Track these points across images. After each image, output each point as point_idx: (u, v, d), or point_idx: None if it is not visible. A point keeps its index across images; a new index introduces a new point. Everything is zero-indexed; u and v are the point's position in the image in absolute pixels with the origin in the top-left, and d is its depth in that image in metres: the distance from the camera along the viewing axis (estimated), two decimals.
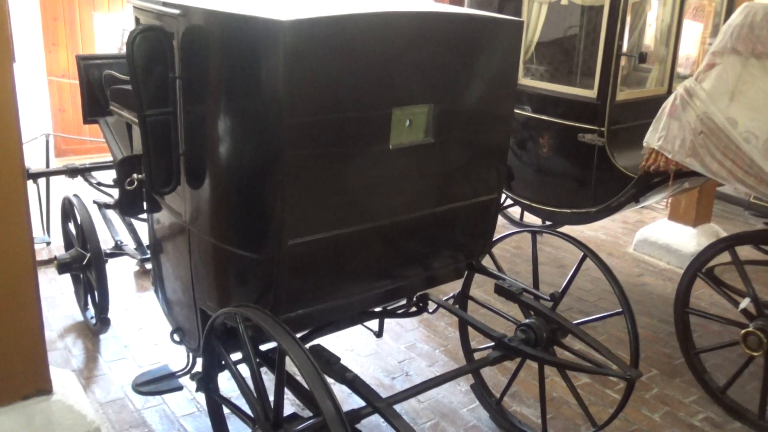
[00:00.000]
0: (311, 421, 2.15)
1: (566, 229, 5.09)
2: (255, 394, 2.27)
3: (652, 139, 3.42)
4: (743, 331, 3.32)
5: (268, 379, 2.81)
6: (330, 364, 2.41)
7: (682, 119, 3.30)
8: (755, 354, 3.29)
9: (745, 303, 3.42)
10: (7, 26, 2.52)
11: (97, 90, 3.93)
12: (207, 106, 2.38)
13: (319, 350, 2.47)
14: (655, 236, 5.59)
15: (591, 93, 3.85)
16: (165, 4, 2.48)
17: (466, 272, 3.18)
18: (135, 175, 2.92)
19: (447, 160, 2.67)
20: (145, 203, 3.01)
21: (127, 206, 3.03)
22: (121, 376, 3.60)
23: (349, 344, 4.00)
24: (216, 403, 2.67)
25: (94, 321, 3.94)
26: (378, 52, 2.31)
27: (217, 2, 2.42)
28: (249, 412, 2.47)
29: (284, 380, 2.18)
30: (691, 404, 3.64)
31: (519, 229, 3.39)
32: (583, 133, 3.89)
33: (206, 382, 2.62)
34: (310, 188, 2.31)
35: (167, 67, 2.46)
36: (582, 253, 3.00)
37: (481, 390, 3.43)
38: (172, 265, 2.95)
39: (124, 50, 6.15)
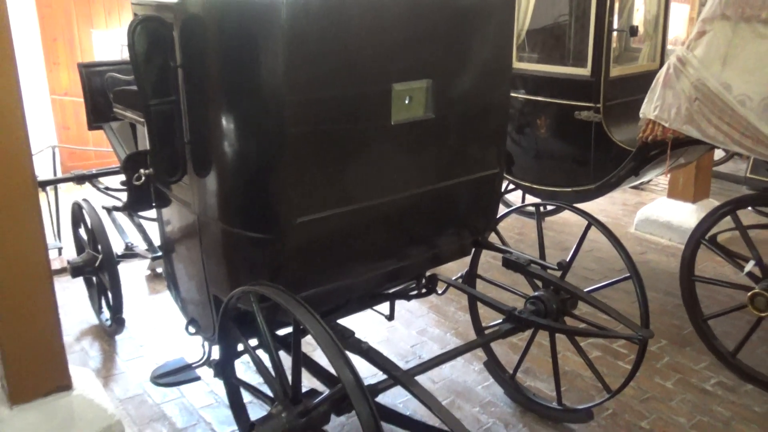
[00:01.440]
0: (331, 391, 2.12)
1: (567, 214, 5.09)
2: (273, 372, 2.25)
3: (648, 109, 3.41)
4: (750, 293, 3.29)
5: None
6: (345, 337, 2.39)
7: (676, 88, 3.29)
8: (763, 315, 3.27)
9: (750, 266, 3.40)
10: (11, 45, 2.52)
11: (100, 96, 3.94)
12: (209, 92, 2.36)
13: (333, 325, 2.46)
14: (655, 215, 5.57)
15: (585, 71, 3.85)
16: None
17: (473, 250, 3.16)
18: (142, 171, 2.91)
19: (448, 136, 2.66)
20: (153, 197, 3.01)
21: (136, 202, 3.02)
22: (139, 373, 3.57)
23: (360, 332, 3.94)
24: (234, 387, 2.64)
25: (109, 323, 3.92)
26: (374, 27, 2.30)
27: None
28: (267, 393, 2.46)
29: (301, 355, 2.16)
30: (703, 370, 3.61)
31: (523, 204, 3.36)
32: (579, 110, 3.88)
33: (223, 367, 2.60)
34: (314, 166, 2.30)
35: (168, 57, 2.45)
36: (587, 222, 2.98)
37: (494, 367, 3.41)
38: (183, 258, 2.93)
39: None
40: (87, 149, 7.03)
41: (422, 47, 2.45)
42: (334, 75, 2.24)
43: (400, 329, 4.03)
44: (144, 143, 3.37)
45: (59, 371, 2.84)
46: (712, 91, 3.17)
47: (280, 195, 2.28)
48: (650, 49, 4.18)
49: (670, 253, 5.22)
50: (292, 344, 2.14)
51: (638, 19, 4.35)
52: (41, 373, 2.79)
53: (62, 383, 2.84)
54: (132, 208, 3.03)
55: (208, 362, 2.98)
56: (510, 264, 2.96)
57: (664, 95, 3.34)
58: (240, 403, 2.66)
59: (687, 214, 5.42)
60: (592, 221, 2.96)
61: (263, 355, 2.44)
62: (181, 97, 2.47)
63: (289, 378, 2.21)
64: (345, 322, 3.06)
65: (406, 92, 2.46)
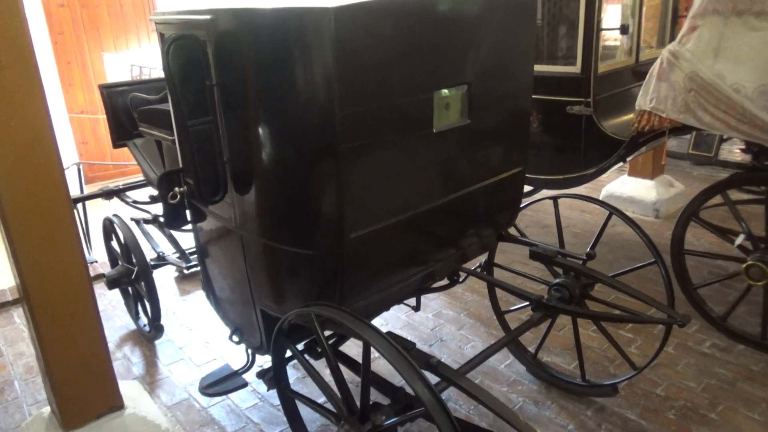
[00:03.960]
0: (412, 412, 1.72)
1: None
2: (337, 391, 1.83)
3: (644, 102, 3.04)
4: (745, 264, 2.98)
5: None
6: (408, 350, 1.98)
7: (670, 80, 2.92)
8: (758, 284, 2.96)
9: (740, 239, 3.08)
10: (38, 73, 2.02)
11: (123, 115, 3.41)
12: (248, 109, 1.90)
13: (394, 337, 2.04)
14: (619, 191, 5.25)
15: (575, 69, 3.45)
16: (192, 12, 1.99)
17: None
18: (177, 189, 2.44)
19: (481, 140, 2.25)
20: (189, 214, 2.53)
21: (172, 220, 2.54)
22: (182, 377, 3.11)
23: (383, 320, 3.57)
24: (289, 398, 2.23)
25: (147, 329, 3.43)
26: (415, 35, 1.86)
27: (243, 2, 1.93)
28: (324, 405, 2.04)
29: (370, 373, 1.75)
30: (695, 334, 3.30)
31: (541, 197, 2.98)
32: (571, 105, 3.49)
33: (278, 380, 2.18)
34: (364, 180, 1.86)
35: (203, 76, 1.97)
36: (608, 212, 2.63)
37: (515, 347, 3.04)
38: (225, 270, 2.47)
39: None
40: (107, 163, 6.43)
41: (459, 53, 2.02)
42: (381, 85, 1.80)
43: (417, 314, 3.64)
44: (172, 160, 2.89)
45: (110, 391, 2.38)
46: (706, 81, 2.80)
47: (333, 211, 1.84)
48: (626, 46, 3.80)
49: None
50: (362, 364, 1.72)
51: (615, 20, 3.96)
52: (92, 396, 2.33)
53: (114, 403, 2.38)
54: (169, 226, 2.54)
55: (254, 370, 2.56)
56: (537, 256, 2.58)
57: (659, 88, 2.96)
58: (296, 413, 2.25)
59: (647, 190, 5.13)
60: (614, 211, 2.61)
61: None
62: (218, 116, 2.00)
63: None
64: None
65: (445, 99, 2.04)
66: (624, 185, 5.28)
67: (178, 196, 2.42)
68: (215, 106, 1.98)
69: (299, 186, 1.90)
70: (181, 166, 2.41)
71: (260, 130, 1.89)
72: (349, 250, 1.88)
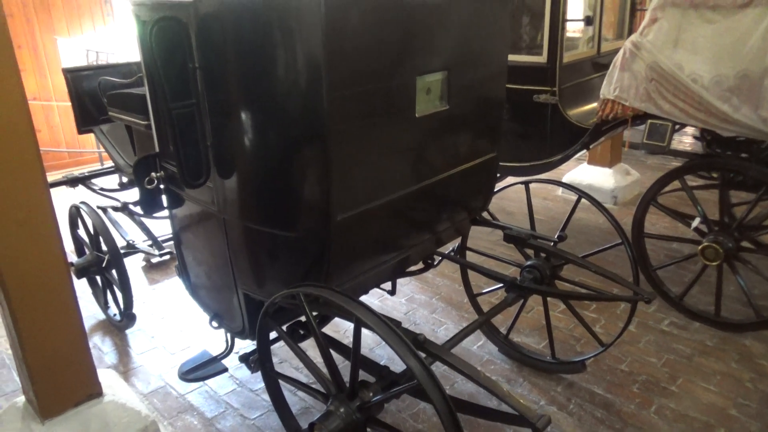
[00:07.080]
0: (405, 385, 1.78)
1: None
2: (327, 369, 1.87)
3: (608, 91, 3.17)
4: (701, 246, 3.16)
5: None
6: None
7: (633, 69, 3.06)
8: (713, 263, 3.14)
9: (696, 222, 3.26)
10: (12, 52, 1.96)
11: (88, 100, 3.32)
12: (233, 93, 1.90)
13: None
14: (579, 179, 5.44)
15: (541, 58, 3.56)
16: None
17: None
18: (153, 174, 2.41)
19: (459, 125, 2.31)
20: (165, 200, 2.51)
21: (149, 206, 2.51)
22: (157, 365, 3.08)
23: None
24: (273, 380, 2.25)
25: (118, 318, 3.37)
26: (399, 19, 1.90)
27: None
28: (309, 385, 2.08)
29: (360, 351, 1.79)
30: (655, 313, 3.48)
31: (514, 182, 3.07)
32: (537, 94, 3.60)
33: (263, 362, 2.20)
34: (350, 163, 1.90)
35: (185, 59, 1.96)
36: (576, 197, 2.74)
37: (488, 328, 3.14)
38: (204, 256, 2.46)
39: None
40: (62, 150, 6.22)
41: (439, 39, 2.08)
42: (368, 68, 1.84)
43: (391, 298, 3.70)
44: (144, 145, 2.85)
45: (88, 379, 2.34)
46: (666, 71, 2.95)
47: (321, 193, 1.87)
48: (589, 38, 3.94)
49: (595, 211, 5.06)
50: (353, 342, 1.77)
51: (579, 12, 4.09)
52: (70, 383, 2.28)
53: (93, 391, 2.34)
54: (146, 212, 2.51)
55: (232, 354, 2.57)
56: (511, 238, 2.68)
57: (622, 77, 3.10)
58: (280, 395, 2.27)
59: (605, 177, 5.34)
60: (583, 195, 2.71)
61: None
62: (201, 100, 1.99)
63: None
64: None
65: (427, 84, 2.09)
66: (584, 173, 5.47)
67: (155, 182, 2.40)
68: (198, 90, 1.98)
69: (286, 168, 1.91)
70: (157, 150, 2.38)
71: (245, 114, 1.90)
72: (336, 232, 1.92)
